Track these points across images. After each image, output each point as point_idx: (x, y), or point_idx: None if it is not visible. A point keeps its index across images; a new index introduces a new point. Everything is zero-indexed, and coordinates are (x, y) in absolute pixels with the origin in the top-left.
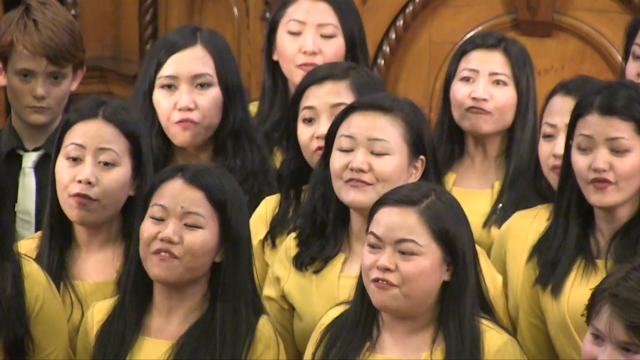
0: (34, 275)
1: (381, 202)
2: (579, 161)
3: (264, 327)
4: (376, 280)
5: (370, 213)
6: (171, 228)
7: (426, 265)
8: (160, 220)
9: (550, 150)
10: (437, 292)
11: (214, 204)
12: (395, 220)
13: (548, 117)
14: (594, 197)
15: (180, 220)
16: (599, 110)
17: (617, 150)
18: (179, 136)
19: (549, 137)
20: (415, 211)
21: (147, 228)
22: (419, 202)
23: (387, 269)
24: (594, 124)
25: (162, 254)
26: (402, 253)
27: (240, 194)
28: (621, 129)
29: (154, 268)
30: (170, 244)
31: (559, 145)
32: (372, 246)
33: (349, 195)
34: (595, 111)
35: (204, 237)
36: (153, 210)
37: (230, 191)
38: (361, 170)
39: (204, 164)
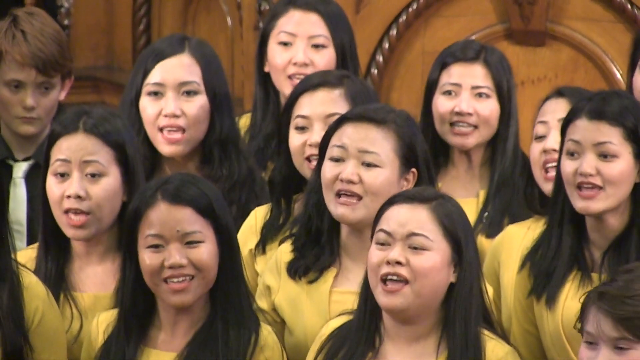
0: (33, 287)
1: (391, 202)
2: (567, 166)
3: (269, 334)
4: (386, 276)
5: (377, 214)
6: (176, 254)
7: (437, 260)
8: (157, 247)
9: (541, 148)
10: (444, 293)
11: (203, 213)
12: (407, 215)
13: (540, 117)
14: (581, 204)
15: (181, 242)
16: (588, 115)
17: (605, 155)
18: (165, 147)
19: (540, 137)
20: (426, 208)
21: (149, 259)
22: (430, 200)
23: (398, 263)
24: (582, 128)
25: (176, 280)
26: (413, 248)
27: (215, 189)
28: (609, 134)
29: (172, 297)
30: (181, 267)
31: (550, 141)
32: (380, 244)
33: (338, 209)
34: (585, 116)
35: (208, 250)
36: (147, 241)
37: (210, 192)
38: (351, 182)
39: (175, 174)
